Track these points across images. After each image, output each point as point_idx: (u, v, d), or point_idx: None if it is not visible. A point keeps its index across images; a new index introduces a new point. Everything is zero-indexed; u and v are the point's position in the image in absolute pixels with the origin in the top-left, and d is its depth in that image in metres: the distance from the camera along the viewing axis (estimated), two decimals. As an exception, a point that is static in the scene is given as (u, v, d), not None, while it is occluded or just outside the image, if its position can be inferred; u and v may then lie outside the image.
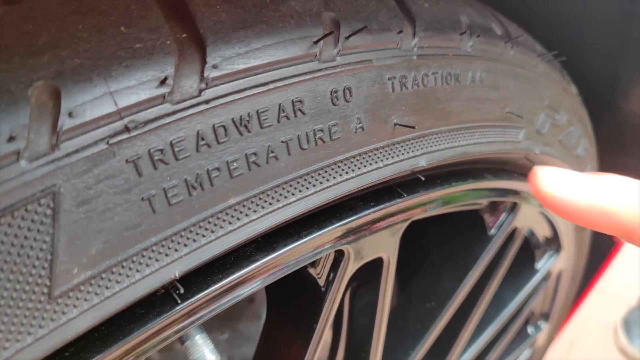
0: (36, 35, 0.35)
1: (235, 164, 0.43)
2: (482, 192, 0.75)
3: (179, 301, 0.44)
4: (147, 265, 0.40)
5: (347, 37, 0.48)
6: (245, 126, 0.43)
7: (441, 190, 0.64)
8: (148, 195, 0.38)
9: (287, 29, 0.45)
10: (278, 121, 0.45)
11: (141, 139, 0.37)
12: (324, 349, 0.71)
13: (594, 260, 1.32)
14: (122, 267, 0.38)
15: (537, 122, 0.76)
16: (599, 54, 0.98)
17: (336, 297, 0.61)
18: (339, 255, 0.59)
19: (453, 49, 0.60)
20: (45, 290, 0.35)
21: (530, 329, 1.29)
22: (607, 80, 1.02)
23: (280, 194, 0.46)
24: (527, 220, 0.92)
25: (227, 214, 0.43)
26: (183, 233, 0.41)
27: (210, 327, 1.00)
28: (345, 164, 0.50)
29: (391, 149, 0.54)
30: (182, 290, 0.43)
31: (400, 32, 0.53)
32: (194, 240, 0.42)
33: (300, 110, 0.46)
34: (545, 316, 1.29)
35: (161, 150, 0.38)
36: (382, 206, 0.57)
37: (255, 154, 0.44)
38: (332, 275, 0.60)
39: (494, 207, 0.85)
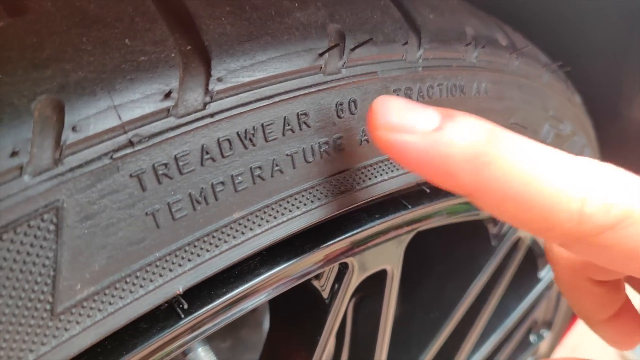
0: (40, 48, 0.34)
1: (240, 178, 0.42)
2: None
3: (183, 316, 0.43)
4: (151, 280, 0.39)
5: (353, 49, 0.48)
6: (250, 140, 0.42)
7: (446, 201, 0.64)
8: (152, 210, 0.38)
9: (293, 42, 0.44)
10: (283, 134, 0.44)
11: (145, 153, 0.37)
12: (327, 361, 0.70)
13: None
14: (126, 282, 0.38)
15: (541, 133, 0.76)
16: (602, 61, 0.98)
17: (340, 309, 0.61)
18: (343, 268, 0.58)
19: (458, 60, 0.59)
20: (48, 307, 0.35)
21: (532, 338, 1.29)
22: (610, 88, 1.02)
23: (285, 208, 0.46)
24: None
25: (231, 228, 0.43)
26: (187, 248, 0.41)
27: (213, 335, 1.00)
28: (351, 177, 0.50)
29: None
30: (185, 306, 0.43)
31: (406, 43, 0.53)
32: (198, 255, 0.41)
33: (305, 123, 0.45)
34: (548, 324, 1.28)
35: (165, 165, 0.38)
36: (386, 218, 0.57)
37: (260, 167, 0.43)
38: (336, 287, 0.59)
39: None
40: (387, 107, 0.39)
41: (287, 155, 0.45)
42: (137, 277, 0.38)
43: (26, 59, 0.34)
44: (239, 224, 0.43)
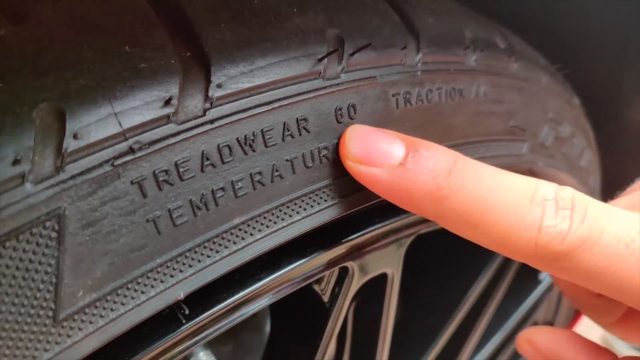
0: (41, 56, 0.35)
1: (240, 184, 0.42)
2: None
3: (184, 321, 0.44)
4: (152, 286, 0.39)
5: (352, 54, 0.48)
6: (250, 145, 0.42)
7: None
8: (153, 217, 0.38)
9: (292, 47, 0.44)
10: (283, 140, 0.44)
11: (146, 160, 0.37)
12: (328, 364, 0.70)
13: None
14: (127, 288, 0.38)
15: (540, 135, 0.76)
16: (602, 63, 0.98)
17: (340, 313, 0.61)
18: (343, 272, 0.59)
19: (457, 63, 0.59)
20: (51, 314, 0.35)
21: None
22: (610, 89, 1.02)
23: (285, 213, 0.46)
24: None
25: (232, 233, 0.43)
26: (188, 254, 0.41)
27: (214, 339, 1.00)
28: (351, 182, 0.50)
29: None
30: (187, 311, 0.43)
31: (404, 48, 0.53)
32: (199, 261, 0.41)
33: (305, 128, 0.45)
34: (549, 325, 1.28)
35: (166, 171, 0.38)
36: (386, 222, 0.57)
37: (260, 173, 0.43)
38: (336, 291, 0.59)
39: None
40: (356, 138, 0.45)
41: (286, 160, 0.45)
42: (138, 283, 0.39)
43: (27, 67, 0.34)
44: (240, 230, 0.43)
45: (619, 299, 0.40)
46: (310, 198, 0.47)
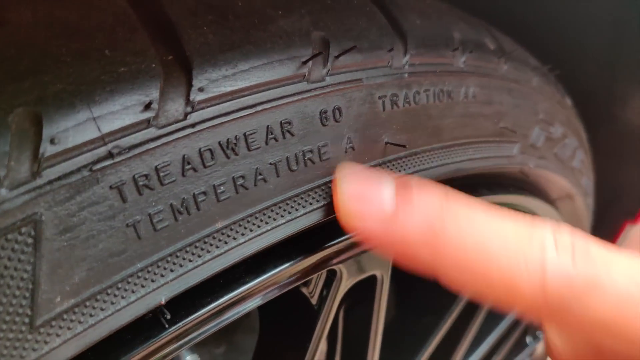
0: (18, 60, 0.34)
1: (222, 188, 0.42)
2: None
3: (167, 326, 0.43)
4: (133, 291, 0.39)
5: (337, 57, 0.48)
6: (233, 149, 0.42)
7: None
8: (133, 222, 0.38)
9: (276, 50, 0.44)
10: (266, 143, 0.44)
11: (125, 164, 0.37)
12: (318, 367, 0.70)
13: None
14: (107, 294, 0.38)
15: (531, 136, 0.76)
16: (595, 63, 0.98)
17: (329, 316, 0.61)
18: (331, 274, 0.58)
19: (445, 65, 0.59)
20: (27, 320, 0.34)
21: (528, 339, 1.29)
22: (603, 90, 1.02)
23: (269, 217, 0.46)
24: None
25: (214, 238, 0.43)
26: (169, 258, 0.40)
27: (206, 341, 1.00)
28: (336, 185, 0.50)
29: (383, 168, 0.54)
30: (168, 316, 0.43)
31: (391, 50, 0.52)
32: (181, 265, 0.41)
33: (289, 131, 0.45)
34: (544, 326, 1.28)
35: (146, 176, 0.38)
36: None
37: (242, 177, 0.43)
38: (324, 293, 0.59)
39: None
40: (346, 187, 0.44)
41: (270, 164, 0.45)
42: (118, 289, 0.38)
43: (4, 71, 0.34)
44: (222, 234, 0.43)
45: (627, 348, 0.37)
46: (295, 201, 0.47)
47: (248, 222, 0.44)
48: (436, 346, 0.89)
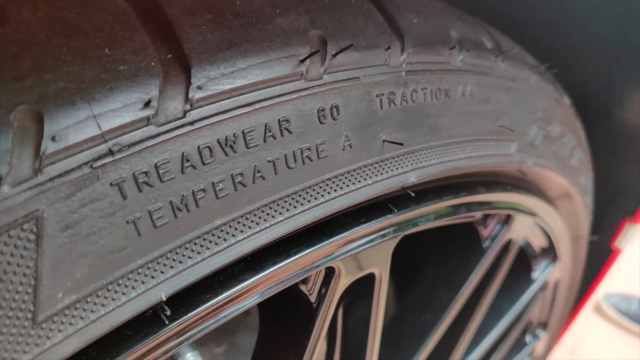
0: (20, 59, 0.35)
1: (221, 185, 0.43)
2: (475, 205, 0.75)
3: (167, 322, 0.44)
4: (133, 287, 0.40)
5: (334, 55, 0.48)
6: (231, 147, 0.43)
7: (433, 204, 0.64)
8: (133, 218, 0.38)
9: (274, 48, 0.45)
10: (264, 141, 0.44)
11: (125, 161, 0.37)
12: (317, 364, 0.70)
13: (593, 268, 1.32)
14: (108, 290, 0.38)
15: (529, 135, 0.76)
16: (594, 62, 0.98)
17: (328, 313, 0.61)
18: (330, 272, 0.59)
19: (443, 64, 0.60)
20: (29, 316, 0.35)
21: (528, 338, 1.29)
22: (602, 89, 1.02)
23: (268, 214, 0.46)
24: (522, 231, 0.92)
25: (213, 234, 0.43)
26: (169, 255, 0.41)
27: (207, 340, 1.00)
28: (334, 182, 0.50)
29: (380, 166, 0.54)
30: (169, 312, 0.43)
31: (389, 48, 0.53)
32: (180, 262, 0.42)
33: (286, 129, 0.46)
34: (544, 325, 1.29)
35: (146, 173, 0.38)
36: (372, 222, 0.57)
37: (241, 174, 0.44)
38: (323, 291, 0.60)
39: (488, 219, 0.85)
40: None
41: (268, 161, 0.45)
42: (119, 285, 0.39)
43: (6, 69, 0.34)
44: (221, 231, 0.44)
45: None
46: (293, 199, 0.48)
47: (247, 219, 0.45)
48: (435, 345, 0.89)
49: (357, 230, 0.56)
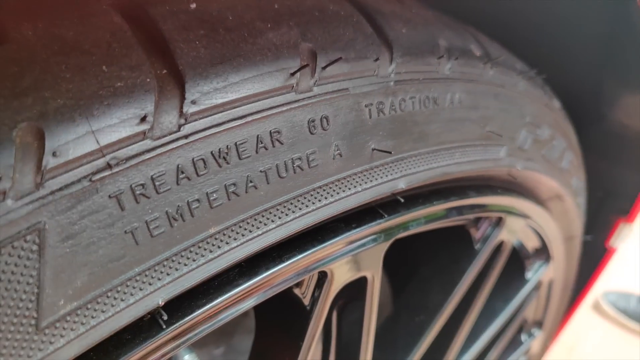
0: (20, 77, 0.36)
1: (215, 195, 0.44)
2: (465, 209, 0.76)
3: (164, 326, 0.45)
4: (132, 294, 0.41)
5: (324, 68, 0.50)
6: (224, 158, 0.44)
7: (423, 209, 0.66)
8: (131, 228, 0.40)
9: (265, 62, 0.46)
10: (256, 152, 0.46)
11: (123, 174, 0.39)
12: (313, 365, 0.72)
13: (588, 267, 1.34)
14: (107, 297, 0.40)
15: (518, 139, 0.77)
16: (585, 64, 1.00)
17: (321, 316, 0.63)
18: (323, 276, 0.60)
19: (431, 72, 0.61)
20: (33, 322, 0.37)
21: (523, 337, 1.30)
22: (593, 91, 1.04)
23: (260, 222, 0.48)
24: (514, 233, 0.93)
25: (208, 242, 0.45)
26: (165, 263, 0.43)
27: (205, 342, 1.01)
28: (324, 190, 0.52)
29: (369, 173, 0.56)
30: (166, 317, 0.45)
31: (377, 59, 0.54)
32: (176, 269, 0.43)
33: (278, 140, 0.47)
34: (539, 324, 1.30)
35: (143, 185, 0.40)
36: (363, 227, 0.59)
37: (234, 184, 0.45)
38: (316, 294, 0.61)
39: (479, 222, 0.87)
40: None
41: (260, 171, 0.47)
42: (118, 292, 0.41)
43: (7, 88, 0.36)
44: (215, 239, 0.45)
45: None
46: (285, 207, 0.49)
47: (240, 227, 0.47)
48: (429, 346, 0.90)
49: (348, 236, 0.57)
